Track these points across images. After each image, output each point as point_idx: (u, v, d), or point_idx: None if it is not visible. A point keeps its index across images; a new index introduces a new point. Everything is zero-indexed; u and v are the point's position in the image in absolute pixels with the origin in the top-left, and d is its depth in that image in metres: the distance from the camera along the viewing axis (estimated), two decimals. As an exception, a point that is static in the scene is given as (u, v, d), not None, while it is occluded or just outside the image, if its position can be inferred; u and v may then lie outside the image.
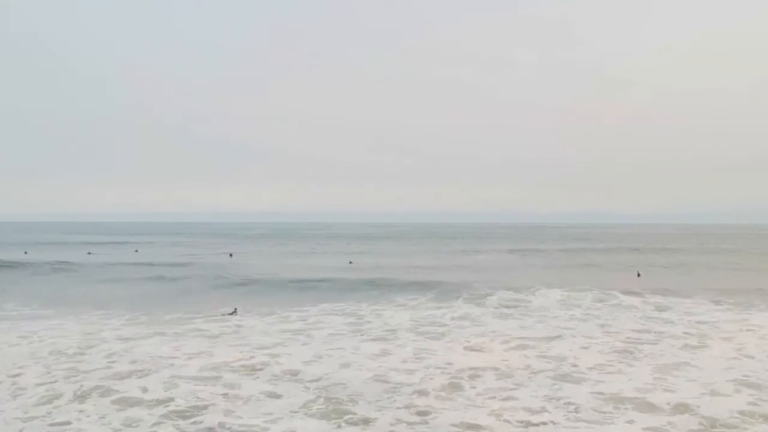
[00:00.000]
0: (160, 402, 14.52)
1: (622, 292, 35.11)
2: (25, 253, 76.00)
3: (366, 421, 13.30)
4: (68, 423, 13.23)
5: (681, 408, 14.13)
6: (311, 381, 16.44)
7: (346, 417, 13.56)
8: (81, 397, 14.98)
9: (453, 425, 13.05)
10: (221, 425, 12.97)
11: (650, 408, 14.22)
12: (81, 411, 13.97)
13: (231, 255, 75.26)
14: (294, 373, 17.20)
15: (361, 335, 23.67)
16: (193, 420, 13.33)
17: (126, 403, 14.50)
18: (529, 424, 13.17)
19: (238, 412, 13.81)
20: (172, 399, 14.72)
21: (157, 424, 13.16)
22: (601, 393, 15.35)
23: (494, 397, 15.05)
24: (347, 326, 25.96)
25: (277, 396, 15.14)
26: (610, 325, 25.93)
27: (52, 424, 13.14)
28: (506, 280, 43.16)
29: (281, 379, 16.75)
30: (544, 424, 13.20)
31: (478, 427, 13.00)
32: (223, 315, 28.25)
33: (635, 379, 16.88)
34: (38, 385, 15.98)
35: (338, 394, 15.25)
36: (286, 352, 19.78)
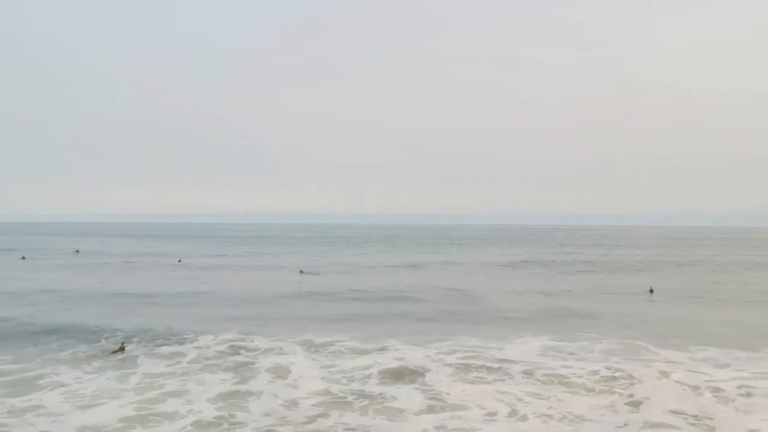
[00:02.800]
0: None
1: (646, 338, 23.95)
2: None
3: None
4: None
5: None
6: None
7: None
8: None
9: None
10: None
11: None
12: None
13: (180, 261, 66.80)
14: None
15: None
16: None
17: None
18: None
19: None
20: None
21: None
22: None
23: None
24: (212, 404, 15.68)
25: None
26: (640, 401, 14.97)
27: None
28: (479, 309, 32.63)
29: None
30: None
31: None
32: (103, 353, 21.26)
33: None
34: None
35: None
36: None
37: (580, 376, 17.48)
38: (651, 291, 42.05)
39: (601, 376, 17.39)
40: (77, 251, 79.24)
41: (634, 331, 26.47)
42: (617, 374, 17.72)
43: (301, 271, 54.71)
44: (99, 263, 61.13)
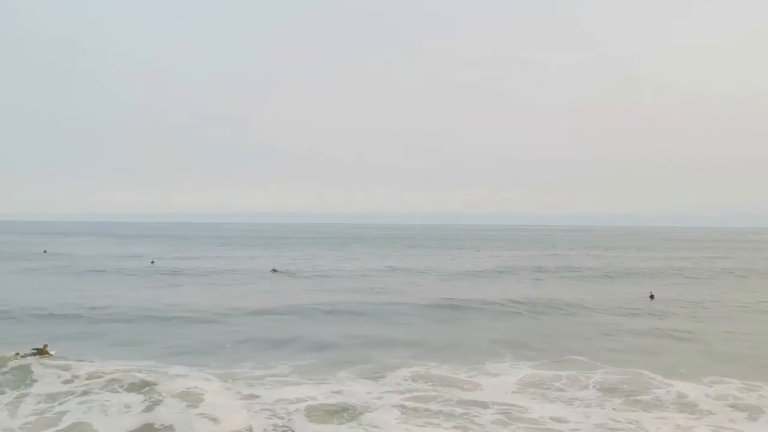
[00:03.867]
0: None
1: (649, 364, 20.07)
2: None
3: None
4: None
5: None
6: None
7: None
8: None
9: None
10: None
11: None
12: None
13: (153, 262, 64.80)
14: None
15: None
16: None
17: None
18: None
19: None
20: None
21: None
22: None
23: None
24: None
25: None
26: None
27: None
28: (456, 325, 28.33)
29: None
30: None
31: None
32: (22, 355, 19.29)
33: None
34: None
35: None
36: None
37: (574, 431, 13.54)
38: (651, 297, 38.56)
39: (604, 429, 13.41)
40: (45, 251, 76.24)
41: (634, 353, 22.68)
42: (622, 427, 13.68)
43: (274, 270, 54.08)
44: (62, 267, 57.21)
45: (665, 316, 31.91)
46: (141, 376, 16.66)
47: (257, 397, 15.42)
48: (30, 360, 18.89)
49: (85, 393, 15.92)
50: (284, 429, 13.48)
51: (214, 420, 13.82)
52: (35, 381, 17.12)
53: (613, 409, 15.30)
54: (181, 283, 45.59)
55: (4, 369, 18.10)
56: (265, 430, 13.44)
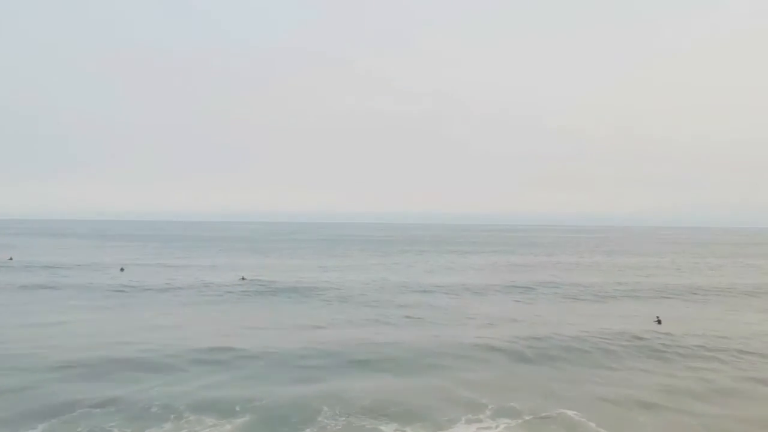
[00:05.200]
0: None
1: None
2: None
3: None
4: None
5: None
6: None
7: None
8: None
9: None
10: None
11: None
12: None
13: (122, 269, 61.91)
14: None
15: None
16: None
17: None
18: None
19: None
20: None
21: None
22: None
23: None
24: None
25: None
26: None
27: None
28: (428, 375, 22.38)
29: None
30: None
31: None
32: None
33: None
34: None
35: None
36: None
37: None
38: (658, 322, 33.95)
39: None
40: (11, 258, 71.98)
41: (637, 406, 18.31)
42: None
43: (243, 278, 52.89)
44: (20, 278, 52.62)
45: (674, 350, 26.99)
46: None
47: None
48: None
49: None
50: None
51: None
52: None
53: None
54: (132, 301, 40.27)
55: None
56: None
